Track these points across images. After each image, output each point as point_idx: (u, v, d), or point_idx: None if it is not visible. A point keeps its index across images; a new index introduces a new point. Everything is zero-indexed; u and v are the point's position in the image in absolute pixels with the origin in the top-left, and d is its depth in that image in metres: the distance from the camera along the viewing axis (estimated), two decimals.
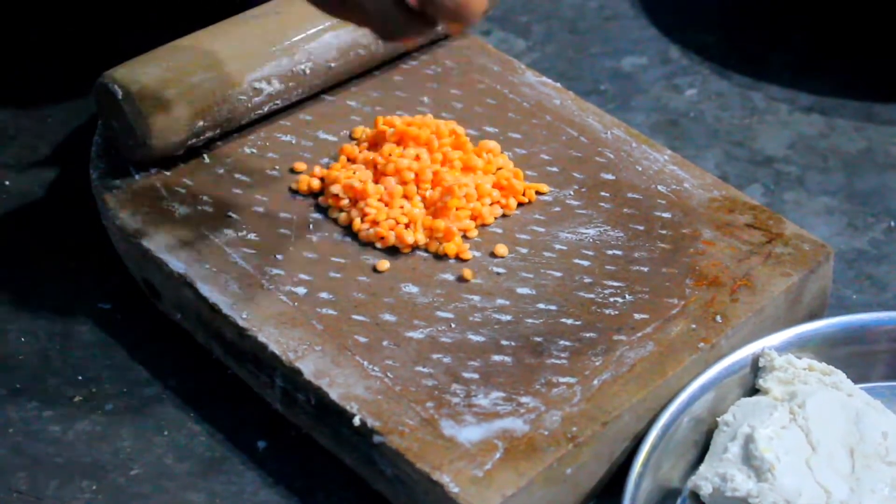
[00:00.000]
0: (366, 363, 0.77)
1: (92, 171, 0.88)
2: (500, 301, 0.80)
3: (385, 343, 0.78)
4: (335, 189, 0.85)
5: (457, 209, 0.84)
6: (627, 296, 0.80)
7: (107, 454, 0.79)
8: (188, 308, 0.82)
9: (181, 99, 0.86)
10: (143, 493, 0.77)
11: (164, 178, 0.88)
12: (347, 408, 0.74)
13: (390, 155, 0.86)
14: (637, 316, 0.79)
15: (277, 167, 0.89)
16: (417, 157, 0.86)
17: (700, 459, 0.76)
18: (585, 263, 0.82)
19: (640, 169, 0.88)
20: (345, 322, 0.79)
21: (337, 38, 0.91)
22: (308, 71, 0.91)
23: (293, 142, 0.91)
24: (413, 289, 0.81)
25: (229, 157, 0.89)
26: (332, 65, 0.92)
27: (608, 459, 0.75)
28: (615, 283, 0.81)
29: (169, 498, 0.77)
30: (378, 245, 0.84)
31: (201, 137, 0.88)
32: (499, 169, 0.88)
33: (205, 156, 0.89)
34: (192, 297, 0.81)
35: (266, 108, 0.90)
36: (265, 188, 0.87)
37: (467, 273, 0.81)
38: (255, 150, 0.90)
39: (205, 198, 0.86)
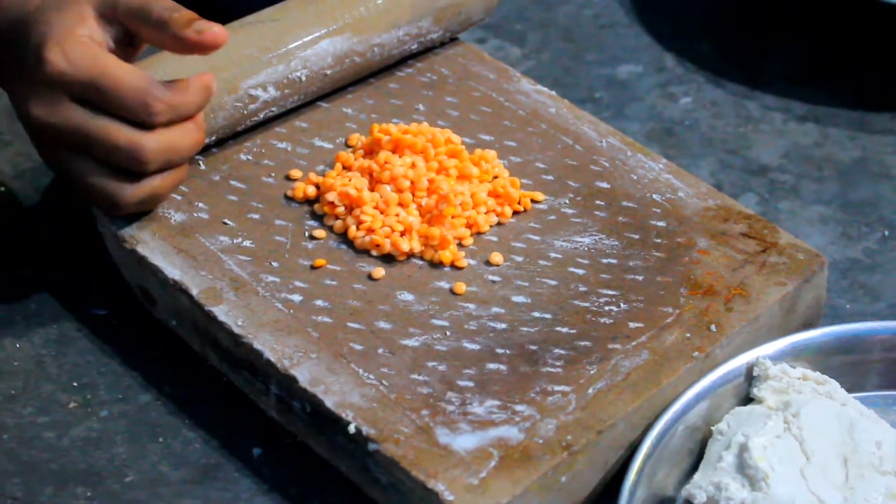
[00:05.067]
0: (361, 371, 0.77)
1: None
2: (495, 309, 0.81)
3: (380, 351, 0.78)
4: (331, 196, 0.85)
5: (452, 217, 0.84)
6: (622, 304, 0.80)
7: (102, 461, 0.79)
8: (183, 315, 0.82)
9: None
10: (137, 499, 0.77)
11: None
12: (343, 415, 0.74)
13: (386, 163, 0.86)
14: (632, 325, 0.79)
15: (273, 174, 0.89)
16: (413, 165, 0.86)
17: (694, 468, 0.76)
18: (580, 272, 0.83)
19: (635, 177, 0.88)
20: (340, 329, 0.79)
21: (333, 46, 0.91)
22: (304, 78, 0.91)
23: (289, 149, 0.91)
24: (408, 296, 0.81)
25: (225, 163, 0.89)
26: (328, 72, 0.92)
27: (603, 468, 0.75)
28: (610, 292, 0.81)
29: None
30: (373, 253, 0.84)
31: None
32: (494, 177, 0.88)
33: (200, 162, 0.89)
34: (187, 303, 0.81)
35: (262, 115, 0.90)
36: (261, 195, 0.87)
37: (459, 287, 0.81)
38: (250, 157, 0.90)
39: (200, 204, 0.86)
